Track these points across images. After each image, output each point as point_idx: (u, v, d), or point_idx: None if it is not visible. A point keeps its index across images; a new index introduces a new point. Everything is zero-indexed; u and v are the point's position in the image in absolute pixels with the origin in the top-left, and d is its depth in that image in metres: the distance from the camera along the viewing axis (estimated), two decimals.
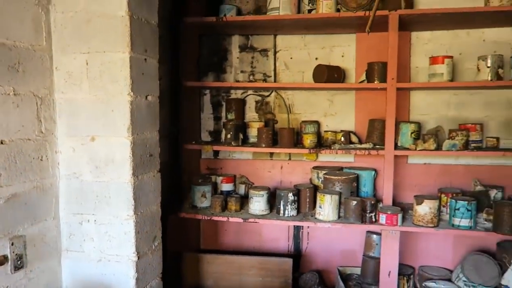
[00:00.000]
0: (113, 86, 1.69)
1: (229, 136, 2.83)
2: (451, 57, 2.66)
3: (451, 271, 2.76)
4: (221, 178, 3.00)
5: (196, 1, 2.84)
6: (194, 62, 3.10)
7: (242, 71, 3.20)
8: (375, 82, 2.71)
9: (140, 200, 1.76)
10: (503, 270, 2.51)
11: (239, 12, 3.05)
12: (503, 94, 2.86)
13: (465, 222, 2.30)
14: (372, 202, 2.45)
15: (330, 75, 2.79)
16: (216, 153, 3.21)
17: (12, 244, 1.49)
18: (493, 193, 2.67)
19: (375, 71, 2.73)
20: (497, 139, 2.75)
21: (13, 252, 1.49)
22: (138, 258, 1.75)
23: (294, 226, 3.05)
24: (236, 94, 3.20)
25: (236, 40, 3.21)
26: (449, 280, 2.65)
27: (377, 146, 2.68)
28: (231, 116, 3.05)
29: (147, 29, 1.82)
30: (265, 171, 3.15)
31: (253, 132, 2.96)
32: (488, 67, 2.56)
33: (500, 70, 2.57)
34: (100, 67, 1.70)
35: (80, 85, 1.72)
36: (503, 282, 2.50)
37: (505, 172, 2.83)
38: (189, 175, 2.91)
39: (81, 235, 1.76)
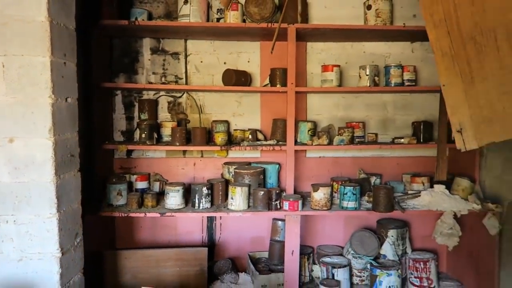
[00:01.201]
0: (33, 89, 1.73)
1: (143, 135, 2.94)
2: (339, 66, 3.13)
3: (343, 248, 3.25)
4: (135, 176, 3.09)
5: (107, 4, 2.88)
6: (106, 64, 3.14)
7: (154, 73, 3.32)
8: (277, 86, 3.05)
9: (62, 199, 1.83)
10: (381, 242, 3.05)
11: (150, 16, 3.17)
12: (379, 97, 3.43)
13: (351, 204, 2.76)
14: (277, 191, 2.79)
15: (238, 78, 3.07)
16: (129, 152, 3.28)
17: None
18: (373, 179, 3.22)
19: (277, 76, 3.08)
20: (376, 134, 3.31)
21: None
22: (62, 254, 1.82)
23: (208, 218, 3.28)
24: (148, 95, 3.31)
25: (147, 43, 3.32)
26: (341, 254, 3.13)
27: (280, 143, 3.03)
28: (144, 116, 3.16)
29: (65, 33, 1.88)
30: (178, 168, 3.32)
31: (166, 132, 3.11)
32: (367, 75, 3.07)
33: (376, 78, 3.10)
34: (18, 70, 1.73)
35: None
36: (382, 252, 3.05)
37: (382, 162, 3.42)
38: (104, 175, 2.95)
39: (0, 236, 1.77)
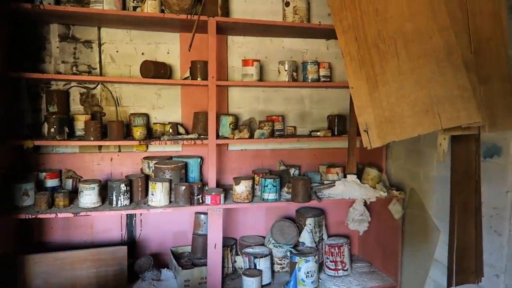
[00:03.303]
0: None
1: (52, 130, 2.72)
2: (259, 60, 3.19)
3: (265, 237, 3.35)
4: (44, 174, 2.86)
5: None
6: (5, 50, 2.83)
7: (63, 62, 3.08)
8: (198, 79, 3.02)
9: None
10: (300, 230, 3.20)
11: (57, 1, 2.91)
12: (297, 92, 3.58)
13: (272, 196, 2.85)
14: (199, 186, 2.77)
15: (157, 71, 2.97)
16: (36, 148, 3.01)
17: None
18: (292, 171, 3.35)
19: (198, 69, 3.05)
20: (295, 128, 3.44)
21: None
22: None
23: (127, 215, 3.15)
24: (58, 86, 3.07)
25: (55, 29, 3.07)
26: (263, 244, 3.23)
27: (202, 136, 3.02)
28: (53, 108, 2.93)
29: None
30: (94, 164, 3.14)
31: (79, 125, 2.91)
32: (286, 70, 3.17)
33: (295, 73, 3.22)
34: None
35: None
36: (301, 239, 3.20)
37: (300, 153, 3.58)
38: (5, 173, 2.68)
39: None
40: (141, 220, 3.22)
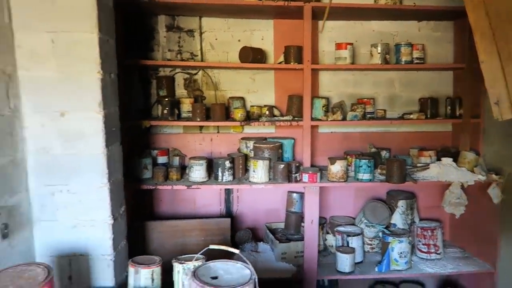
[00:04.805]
0: (82, 64, 1.80)
1: (165, 111, 3.02)
2: (352, 43, 3.24)
3: (353, 218, 3.44)
4: (156, 151, 3.19)
5: None
6: (120, 41, 3.15)
7: (170, 50, 3.37)
8: (292, 64, 3.15)
9: (111, 170, 1.93)
10: (392, 212, 3.24)
11: None
12: (387, 75, 3.57)
13: (366, 176, 2.92)
14: (297, 164, 2.92)
15: (254, 56, 3.15)
16: (147, 129, 3.35)
17: (0, 214, 1.57)
18: (383, 153, 3.38)
19: (291, 54, 3.17)
20: (384, 111, 3.45)
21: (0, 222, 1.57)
22: (114, 221, 1.94)
23: (226, 192, 3.41)
24: (164, 72, 3.37)
25: (162, 20, 3.35)
26: (353, 224, 3.32)
27: (296, 118, 3.16)
28: (163, 93, 3.23)
29: (107, 11, 1.94)
30: (196, 143, 3.42)
31: (185, 108, 3.18)
32: (378, 53, 3.19)
33: (387, 56, 3.23)
34: (67, 46, 1.79)
35: (46, 62, 1.79)
36: (392, 221, 3.24)
37: (389, 137, 3.58)
38: (125, 150, 3.03)
39: (53, 205, 1.86)
40: (238, 197, 3.45)
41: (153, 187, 2.80)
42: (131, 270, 1.72)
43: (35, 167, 1.84)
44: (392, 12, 3.24)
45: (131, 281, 1.72)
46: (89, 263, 1.90)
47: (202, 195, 3.40)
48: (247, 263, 1.48)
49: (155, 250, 2.84)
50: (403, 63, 3.22)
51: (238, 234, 3.22)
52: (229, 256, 1.58)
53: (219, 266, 1.50)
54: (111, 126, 1.96)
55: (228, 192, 3.44)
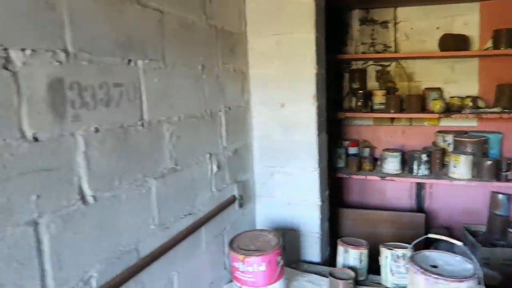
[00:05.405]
0: (301, 62, 2.03)
1: (359, 103, 3.11)
2: None
3: None
4: (347, 142, 3.31)
5: None
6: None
7: (362, 43, 3.43)
8: (503, 49, 2.81)
9: (320, 156, 2.13)
10: None
11: None
12: None
13: None
14: (508, 162, 2.62)
15: (456, 43, 2.94)
16: (339, 120, 3.51)
17: (237, 187, 1.93)
18: None
19: (503, 38, 2.83)
20: None
21: (238, 194, 1.93)
22: (322, 203, 2.14)
23: (417, 186, 3.30)
24: (357, 65, 3.45)
25: (356, 14, 3.43)
26: None
27: (507, 110, 2.82)
28: (356, 85, 3.32)
29: (320, 11, 2.12)
30: (386, 136, 3.41)
31: (377, 100, 3.20)
32: None
33: None
34: (288, 46, 2.04)
35: (271, 62, 2.08)
36: None
37: None
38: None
39: (272, 184, 2.17)
40: (431, 193, 3.30)
41: (347, 176, 2.93)
42: (341, 249, 1.88)
43: (259, 151, 2.17)
44: None
45: (340, 259, 1.87)
46: (299, 238, 2.15)
47: (392, 187, 3.37)
48: (471, 258, 1.44)
49: (347, 236, 2.97)
50: None
51: (432, 230, 3.08)
52: None
53: (436, 256, 1.51)
54: (321, 116, 2.15)
55: (419, 186, 3.32)
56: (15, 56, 0.83)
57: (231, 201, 1.87)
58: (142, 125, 1.25)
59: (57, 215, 0.94)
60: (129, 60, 1.19)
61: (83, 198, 1.02)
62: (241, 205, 1.95)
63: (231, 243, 1.66)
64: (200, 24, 1.62)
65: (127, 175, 1.18)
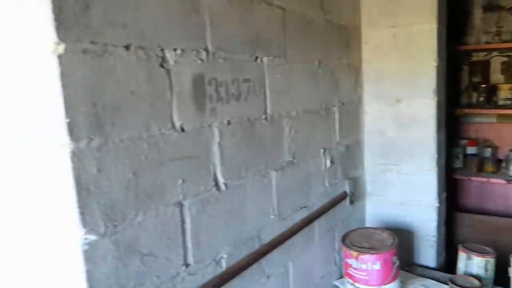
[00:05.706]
0: (420, 54, 1.93)
1: (481, 98, 2.83)
2: None
3: None
4: (464, 141, 3.04)
5: None
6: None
7: (486, 32, 3.11)
8: None
9: (439, 154, 2.00)
10: None
11: None
12: None
13: None
14: None
15: None
16: (456, 117, 3.22)
17: (348, 184, 1.91)
18: None
19: None
20: None
21: (349, 190, 1.91)
22: (439, 205, 2.01)
23: None
24: (478, 57, 3.14)
25: (478, 1, 3.12)
26: None
27: None
28: (476, 79, 3.03)
29: (442, 1, 1.98)
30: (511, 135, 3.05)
31: (502, 95, 2.88)
32: None
33: None
34: (406, 38, 1.95)
35: (387, 55, 2.01)
36: None
37: None
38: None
39: (383, 182, 2.11)
40: None
41: (466, 178, 2.70)
42: (462, 255, 1.74)
43: (370, 147, 2.12)
44: None
45: (461, 266, 1.74)
46: (412, 240, 2.05)
47: None
48: None
49: (463, 242, 2.74)
50: None
51: None
52: None
53: None
54: (440, 112, 2.01)
55: None
56: (169, 55, 0.94)
57: (342, 197, 1.86)
58: (266, 118, 1.31)
59: (197, 199, 1.04)
60: (256, 57, 1.26)
61: (217, 185, 1.11)
62: (352, 202, 1.93)
63: (343, 239, 1.65)
64: (318, 20, 1.63)
65: (252, 165, 1.25)
